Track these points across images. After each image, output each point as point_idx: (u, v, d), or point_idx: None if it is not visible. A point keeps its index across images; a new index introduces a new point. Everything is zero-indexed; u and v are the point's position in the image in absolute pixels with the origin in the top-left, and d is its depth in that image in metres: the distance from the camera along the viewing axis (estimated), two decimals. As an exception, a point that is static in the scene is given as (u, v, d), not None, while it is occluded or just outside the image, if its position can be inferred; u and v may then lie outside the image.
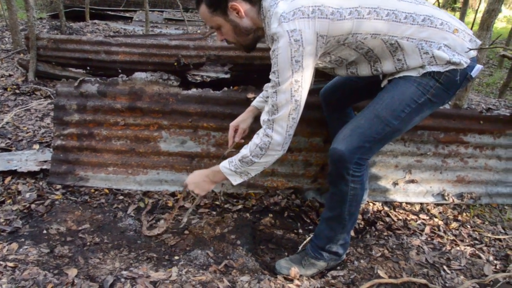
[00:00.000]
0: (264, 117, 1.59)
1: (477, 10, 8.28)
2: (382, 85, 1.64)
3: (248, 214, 2.17)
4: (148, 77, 2.30)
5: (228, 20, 1.55)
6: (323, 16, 1.40)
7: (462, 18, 5.96)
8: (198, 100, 2.21)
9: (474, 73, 1.55)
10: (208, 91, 2.22)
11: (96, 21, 6.94)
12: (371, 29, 1.47)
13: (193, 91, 2.23)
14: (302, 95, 1.49)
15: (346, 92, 1.94)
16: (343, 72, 1.70)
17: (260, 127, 1.61)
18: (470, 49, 1.49)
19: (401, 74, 1.56)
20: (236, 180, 1.66)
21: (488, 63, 7.10)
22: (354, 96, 1.95)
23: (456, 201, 2.39)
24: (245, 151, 1.60)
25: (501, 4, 2.12)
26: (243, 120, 1.95)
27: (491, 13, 2.12)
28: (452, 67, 1.49)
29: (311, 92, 2.28)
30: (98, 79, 2.32)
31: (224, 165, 1.66)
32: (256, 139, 1.58)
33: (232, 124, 1.94)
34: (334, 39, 1.47)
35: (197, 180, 1.75)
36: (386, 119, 1.54)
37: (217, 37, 1.67)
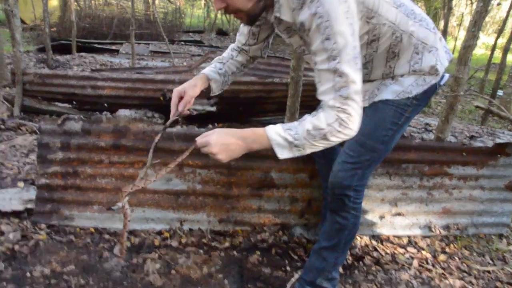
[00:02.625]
0: (328, 96, 1.26)
1: (456, 37, 8.51)
2: (364, 105, 1.66)
3: (235, 252, 2.15)
4: (132, 114, 2.31)
5: None
6: None
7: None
8: (183, 138, 2.21)
9: (443, 82, 1.60)
10: (192, 129, 2.22)
11: (83, 54, 6.97)
12: (389, 15, 1.42)
13: (178, 129, 2.23)
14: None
15: None
16: None
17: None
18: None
19: (379, 98, 1.58)
20: (283, 154, 1.30)
21: (470, 90, 7.27)
22: None
23: (443, 232, 2.39)
24: (316, 122, 1.26)
25: (477, 38, 2.18)
26: (191, 86, 1.67)
27: (467, 49, 2.19)
28: (429, 80, 1.53)
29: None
30: (81, 116, 2.31)
31: (277, 130, 1.29)
32: (329, 114, 1.25)
33: (178, 90, 1.66)
34: (365, 11, 1.36)
35: (226, 142, 1.31)
36: (372, 146, 1.60)
37: (216, 7, 1.39)
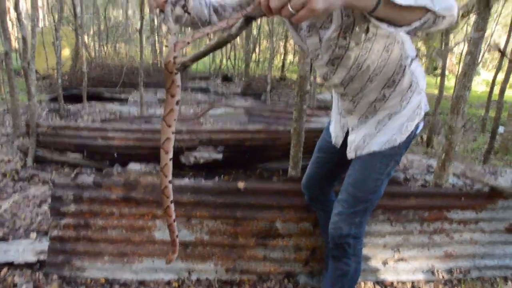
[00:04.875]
0: None
1: (457, 75, 8.68)
2: (349, 157, 1.76)
3: (242, 301, 2.20)
4: (142, 168, 2.42)
5: None
6: None
7: (442, 82, 6.22)
8: (191, 190, 2.31)
9: (418, 131, 1.71)
10: (200, 181, 2.33)
11: (93, 102, 7.22)
12: (405, 40, 1.52)
13: (186, 181, 2.34)
14: None
15: (325, 176, 2.03)
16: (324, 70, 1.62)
17: None
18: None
19: (367, 151, 1.68)
20: None
21: (472, 128, 7.36)
22: (333, 176, 2.04)
23: (446, 276, 2.43)
24: None
25: (469, 90, 2.30)
26: None
27: (459, 98, 2.30)
28: (410, 127, 1.64)
29: (297, 180, 2.40)
30: (93, 170, 2.43)
31: None
32: None
33: None
34: None
35: None
36: (363, 198, 1.72)
37: None
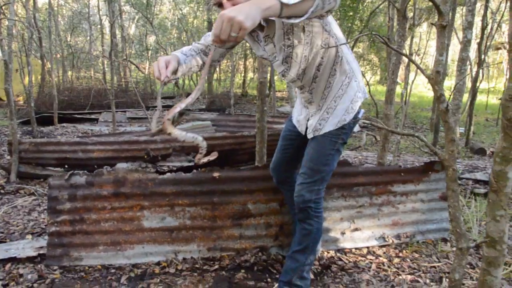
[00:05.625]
0: None
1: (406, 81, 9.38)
2: (309, 137, 2.18)
3: (224, 272, 2.56)
4: (129, 166, 2.76)
5: None
6: None
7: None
8: (173, 182, 2.67)
9: (360, 115, 2.14)
10: (180, 174, 2.69)
11: (64, 124, 7.45)
12: (338, 34, 1.91)
13: (168, 175, 2.70)
14: None
15: (289, 160, 2.43)
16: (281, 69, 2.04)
17: None
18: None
19: (323, 131, 2.10)
20: (289, 0, 1.39)
21: (422, 128, 8.03)
22: (295, 159, 2.42)
23: (396, 241, 2.87)
24: None
25: (396, 83, 2.81)
26: (173, 59, 1.83)
27: (390, 92, 2.81)
28: (355, 107, 2.06)
29: (264, 167, 2.80)
30: (85, 171, 2.75)
31: None
32: None
33: (164, 58, 1.79)
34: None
35: (238, 8, 1.35)
36: (319, 169, 2.13)
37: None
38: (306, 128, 2.20)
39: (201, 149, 1.50)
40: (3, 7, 4.89)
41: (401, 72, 15.36)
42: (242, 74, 15.51)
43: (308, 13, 1.46)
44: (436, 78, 1.31)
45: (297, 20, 1.48)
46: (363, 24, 9.55)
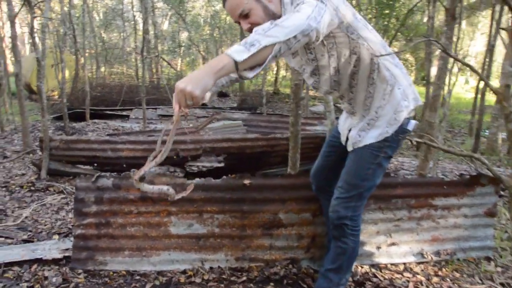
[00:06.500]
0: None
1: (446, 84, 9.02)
2: (348, 150, 2.03)
3: (252, 284, 2.44)
4: (156, 170, 2.68)
5: (259, 2, 1.66)
6: None
7: (427, 90, 6.48)
8: (202, 188, 2.57)
9: (410, 127, 1.94)
10: (210, 180, 2.59)
11: (96, 120, 7.52)
12: (369, 38, 1.77)
13: (197, 180, 2.60)
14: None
15: (331, 167, 2.27)
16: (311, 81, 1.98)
17: None
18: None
19: (363, 143, 1.94)
20: (241, 55, 1.35)
21: (460, 132, 7.69)
22: (337, 168, 2.23)
23: (435, 258, 2.69)
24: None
25: (442, 88, 2.61)
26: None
27: (435, 98, 2.61)
28: (399, 118, 1.86)
29: (297, 175, 2.67)
30: (113, 174, 2.69)
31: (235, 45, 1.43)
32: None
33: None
34: (345, 22, 1.69)
35: (190, 75, 1.38)
36: (356, 184, 1.98)
37: (243, 27, 1.71)
38: (347, 140, 2.05)
39: (170, 196, 1.54)
40: (40, 4, 4.92)
41: (435, 72, 14.86)
42: (274, 72, 15.31)
43: (268, 60, 1.41)
44: (505, 93, 1.15)
45: (259, 69, 1.43)
46: (399, 23, 9.22)
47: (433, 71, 6.32)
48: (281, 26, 1.41)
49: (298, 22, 1.42)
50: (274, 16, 1.64)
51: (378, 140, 1.90)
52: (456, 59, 1.79)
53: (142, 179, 1.48)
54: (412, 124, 1.94)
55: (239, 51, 1.35)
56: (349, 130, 2.03)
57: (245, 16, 1.67)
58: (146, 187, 1.51)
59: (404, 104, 1.88)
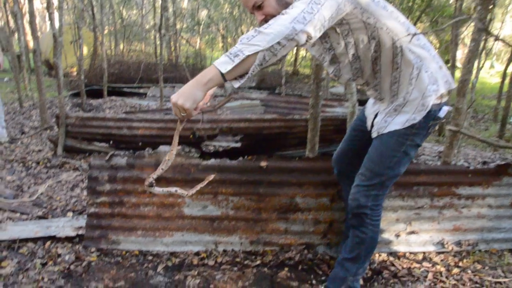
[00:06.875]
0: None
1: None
2: (372, 136, 1.93)
3: (266, 269, 2.39)
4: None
5: None
6: None
7: (453, 74, 6.30)
8: (217, 169, 2.51)
9: (442, 114, 1.81)
10: (225, 161, 2.52)
11: (113, 97, 7.51)
12: (389, 23, 1.66)
13: (212, 161, 2.54)
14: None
15: (355, 152, 2.16)
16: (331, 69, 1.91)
17: None
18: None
19: (388, 129, 1.83)
20: (226, 66, 1.39)
21: (484, 118, 7.46)
22: (362, 153, 2.14)
23: (456, 248, 2.59)
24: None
25: (472, 74, 2.46)
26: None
27: (464, 82, 2.46)
28: (427, 103, 1.74)
29: (316, 159, 2.58)
30: (126, 152, 2.64)
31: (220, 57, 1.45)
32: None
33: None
34: (359, 8, 1.62)
35: (180, 89, 1.45)
36: (380, 172, 1.87)
37: (258, 18, 1.68)
38: (372, 126, 1.95)
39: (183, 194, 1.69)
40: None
41: (461, 55, 14.45)
42: (294, 52, 15.05)
43: (252, 69, 1.41)
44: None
45: (245, 78, 1.45)
46: (424, 3, 8.91)
47: (458, 54, 6.12)
48: (264, 33, 1.40)
49: (280, 28, 1.40)
50: (287, 6, 1.58)
51: (404, 126, 1.80)
52: (499, 40, 1.66)
53: (151, 185, 1.56)
54: (445, 110, 1.81)
55: (224, 62, 1.39)
56: (375, 116, 1.93)
57: (258, 7, 1.65)
58: (157, 190, 1.60)
59: (433, 89, 1.75)
